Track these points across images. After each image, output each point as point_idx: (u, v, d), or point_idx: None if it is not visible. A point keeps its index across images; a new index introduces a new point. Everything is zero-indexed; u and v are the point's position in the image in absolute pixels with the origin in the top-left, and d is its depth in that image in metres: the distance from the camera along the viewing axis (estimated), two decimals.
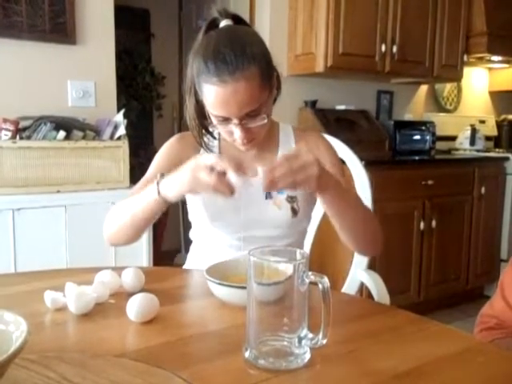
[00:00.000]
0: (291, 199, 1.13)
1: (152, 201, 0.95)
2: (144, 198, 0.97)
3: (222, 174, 0.83)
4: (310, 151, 0.88)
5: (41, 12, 2.08)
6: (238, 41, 0.99)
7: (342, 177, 1.13)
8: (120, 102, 2.50)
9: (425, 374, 0.64)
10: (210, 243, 1.20)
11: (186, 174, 0.88)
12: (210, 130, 1.15)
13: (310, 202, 1.17)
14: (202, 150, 1.17)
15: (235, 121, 0.99)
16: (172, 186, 0.92)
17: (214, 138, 1.18)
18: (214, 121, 1.03)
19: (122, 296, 0.86)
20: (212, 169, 0.84)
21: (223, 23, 1.05)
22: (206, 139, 1.16)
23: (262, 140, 1.13)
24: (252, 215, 1.13)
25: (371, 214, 1.11)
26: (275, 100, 1.13)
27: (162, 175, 0.95)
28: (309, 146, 1.15)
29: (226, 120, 1.00)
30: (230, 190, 0.84)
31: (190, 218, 1.23)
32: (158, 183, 0.94)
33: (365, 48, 2.80)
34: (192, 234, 1.26)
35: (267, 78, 1.00)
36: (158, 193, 0.93)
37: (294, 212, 1.13)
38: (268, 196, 1.13)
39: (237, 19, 1.07)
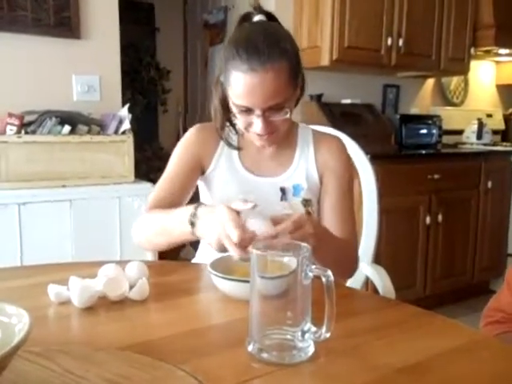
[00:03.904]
0: (306, 202, 1.13)
1: (182, 231, 0.95)
2: (175, 225, 0.97)
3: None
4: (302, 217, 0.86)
5: (45, 6, 2.08)
6: (271, 33, 1.00)
7: (349, 183, 1.16)
8: (125, 96, 2.50)
9: (429, 369, 0.63)
10: None
11: (216, 228, 0.84)
12: (234, 123, 1.14)
13: None
14: (221, 142, 1.16)
15: (258, 112, 0.98)
16: (202, 229, 0.90)
17: (236, 132, 1.17)
18: (235, 110, 1.02)
19: None
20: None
21: (256, 18, 1.05)
22: (227, 132, 1.15)
23: (281, 139, 1.12)
24: None
25: (347, 249, 1.10)
26: (298, 100, 1.12)
27: (196, 207, 0.93)
28: (324, 149, 1.17)
29: (248, 110, 1.00)
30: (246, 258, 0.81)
31: None
32: (191, 219, 0.92)
33: (370, 41, 2.78)
34: None
35: (295, 75, 1.01)
36: (191, 228, 0.92)
37: (309, 215, 1.12)
38: (283, 198, 1.12)
39: (270, 16, 1.07)
